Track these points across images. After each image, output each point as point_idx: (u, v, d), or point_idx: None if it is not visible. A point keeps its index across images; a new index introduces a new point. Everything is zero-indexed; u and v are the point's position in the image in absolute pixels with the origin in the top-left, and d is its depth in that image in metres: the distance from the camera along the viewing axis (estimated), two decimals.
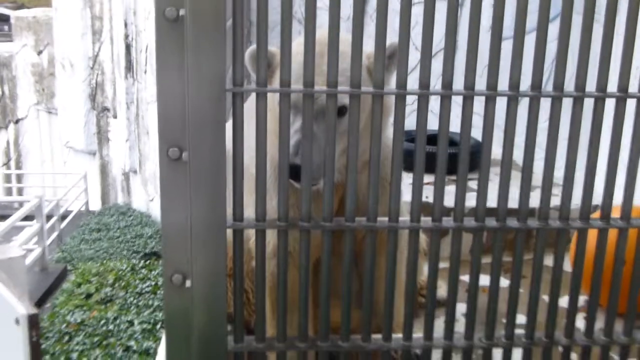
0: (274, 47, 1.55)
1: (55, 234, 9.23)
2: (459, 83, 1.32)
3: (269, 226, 1.37)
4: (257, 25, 1.24)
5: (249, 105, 1.42)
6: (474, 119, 1.36)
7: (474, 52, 1.31)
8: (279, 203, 1.36)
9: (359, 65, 1.29)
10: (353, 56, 1.28)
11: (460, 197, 1.41)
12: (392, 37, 1.38)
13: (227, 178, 1.28)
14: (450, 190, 1.42)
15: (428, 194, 1.63)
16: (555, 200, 1.56)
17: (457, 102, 1.42)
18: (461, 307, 1.60)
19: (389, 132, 1.78)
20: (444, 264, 1.49)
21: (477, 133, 1.48)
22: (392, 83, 1.68)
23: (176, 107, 1.21)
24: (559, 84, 1.37)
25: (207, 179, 1.24)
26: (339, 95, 1.33)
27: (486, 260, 1.40)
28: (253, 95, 1.32)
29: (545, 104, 1.37)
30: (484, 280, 1.46)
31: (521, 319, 1.71)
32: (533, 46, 1.33)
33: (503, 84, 1.33)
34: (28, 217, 7.47)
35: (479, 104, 1.41)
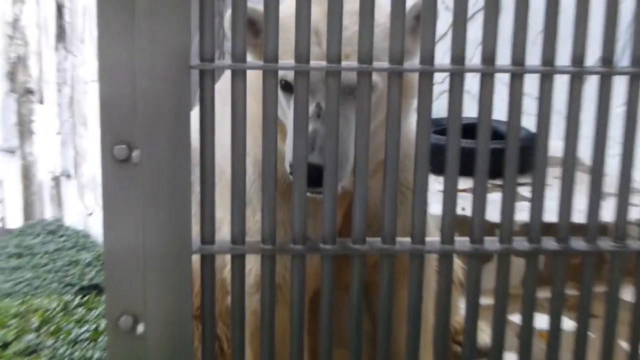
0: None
1: None
2: (504, 56, 1.32)
3: (250, 250, 1.38)
4: None
5: (223, 87, 1.42)
6: (524, 103, 1.36)
7: (524, 15, 1.31)
8: (263, 218, 1.37)
9: (370, 32, 1.31)
10: (362, 18, 1.30)
11: (507, 208, 1.41)
12: None
13: (193, 185, 1.28)
14: (494, 200, 1.43)
15: (464, 205, 1.65)
16: (636, 213, 1.56)
17: (501, 81, 1.42)
18: (510, 358, 1.59)
19: (411, 121, 1.79)
20: (486, 300, 1.49)
21: (529, 122, 1.49)
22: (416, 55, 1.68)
23: (124, 90, 1.21)
24: (638, 57, 1.37)
25: (165, 186, 1.25)
26: (346, 73, 1.34)
27: (544, 293, 1.41)
28: (227, 74, 1.34)
29: (619, 83, 1.38)
30: (541, 321, 1.47)
31: None
32: (602, 7, 1.34)
33: (563, 57, 1.33)
34: None
35: (531, 83, 1.42)
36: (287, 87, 1.67)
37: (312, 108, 1.60)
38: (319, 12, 1.47)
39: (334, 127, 1.34)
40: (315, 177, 1.41)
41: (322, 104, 1.60)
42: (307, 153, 1.36)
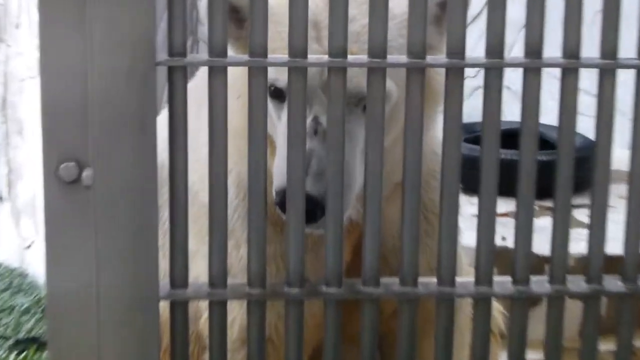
0: None
1: None
2: (552, 46, 1.32)
3: (233, 294, 1.38)
4: None
5: (197, 88, 1.44)
6: (580, 103, 1.36)
7: None
8: (249, 254, 1.37)
9: (383, 21, 1.31)
10: (373, 4, 1.30)
11: (560, 238, 1.41)
12: None
13: (160, 211, 1.28)
14: (542, 227, 1.45)
15: (504, 234, 1.64)
16: None
17: (551, 75, 1.42)
18: None
19: (435, 131, 1.78)
20: (534, 354, 1.49)
21: (586, 126, 1.49)
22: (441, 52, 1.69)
23: (72, 92, 1.22)
24: None
25: (125, 213, 1.25)
26: (352, 77, 1.35)
27: (606, 345, 1.42)
28: (203, 72, 1.36)
29: None
30: None
31: None
32: None
33: (626, 48, 1.34)
34: None
35: (586, 79, 1.41)
36: (278, 94, 1.66)
37: (307, 122, 1.57)
38: (319, 1, 1.48)
39: (337, 145, 1.35)
40: (309, 209, 1.41)
41: (320, 118, 1.60)
42: (304, 178, 1.37)
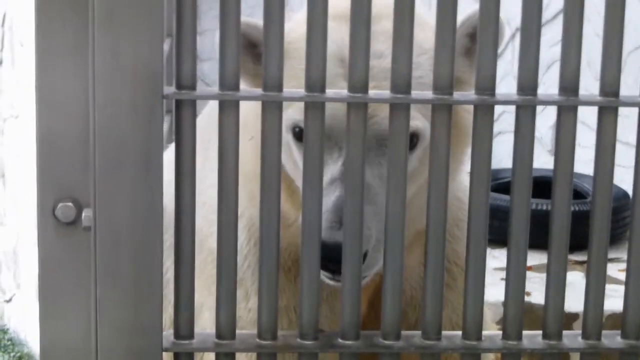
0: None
1: None
2: (588, 83, 1.28)
3: (242, 346, 1.35)
4: None
5: (206, 124, 1.41)
6: (617, 152, 1.33)
7: (618, 26, 1.28)
8: (260, 304, 1.33)
9: (407, 52, 1.27)
10: (397, 34, 1.26)
11: (594, 294, 1.38)
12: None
13: (164, 257, 1.26)
14: (575, 282, 1.42)
15: (530, 288, 1.57)
16: None
17: (585, 120, 1.39)
18: None
19: (462, 175, 1.77)
20: None
21: (622, 177, 1.46)
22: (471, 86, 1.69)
23: (71, 127, 1.20)
24: None
25: (127, 259, 1.23)
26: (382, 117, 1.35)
27: None
28: (212, 107, 1.33)
29: None
30: None
31: None
32: None
33: None
34: None
35: (627, 120, 1.39)
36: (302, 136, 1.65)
37: (337, 167, 1.57)
38: (346, 33, 1.46)
39: (355, 189, 1.31)
40: (334, 259, 1.39)
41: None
42: (321, 223, 1.33)
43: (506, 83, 1.31)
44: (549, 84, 1.36)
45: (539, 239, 1.41)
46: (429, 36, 1.46)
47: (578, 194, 2.11)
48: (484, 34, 1.29)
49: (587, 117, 1.43)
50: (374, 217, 1.49)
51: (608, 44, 1.30)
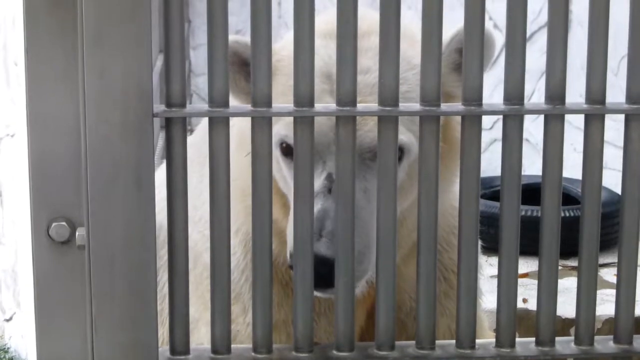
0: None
1: None
2: (575, 90, 1.28)
3: None
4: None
5: (199, 141, 1.42)
6: (606, 154, 1.33)
7: (603, 35, 1.28)
8: (255, 318, 1.33)
9: (394, 65, 1.28)
10: (383, 47, 1.27)
11: (586, 300, 1.38)
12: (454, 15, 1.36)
13: (158, 274, 1.27)
14: (567, 287, 1.45)
15: (525, 295, 1.63)
16: None
17: (573, 125, 1.40)
18: None
19: (456, 186, 1.74)
20: None
21: (611, 180, 1.46)
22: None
23: (63, 147, 1.20)
24: None
25: (121, 276, 1.23)
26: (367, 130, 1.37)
27: None
28: (203, 124, 1.33)
29: None
30: None
31: None
32: None
33: None
34: None
35: (613, 127, 1.39)
36: (290, 152, 1.65)
37: (321, 180, 1.58)
38: (333, 51, 1.47)
39: (346, 202, 1.31)
40: (323, 273, 1.39)
41: (335, 175, 1.58)
42: (313, 238, 1.33)
43: (500, 91, 1.31)
44: (542, 90, 1.36)
45: (535, 246, 1.41)
46: (418, 52, 1.48)
47: (573, 200, 2.09)
48: (469, 45, 1.29)
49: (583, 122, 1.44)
50: (357, 231, 1.48)
51: (593, 52, 1.30)
